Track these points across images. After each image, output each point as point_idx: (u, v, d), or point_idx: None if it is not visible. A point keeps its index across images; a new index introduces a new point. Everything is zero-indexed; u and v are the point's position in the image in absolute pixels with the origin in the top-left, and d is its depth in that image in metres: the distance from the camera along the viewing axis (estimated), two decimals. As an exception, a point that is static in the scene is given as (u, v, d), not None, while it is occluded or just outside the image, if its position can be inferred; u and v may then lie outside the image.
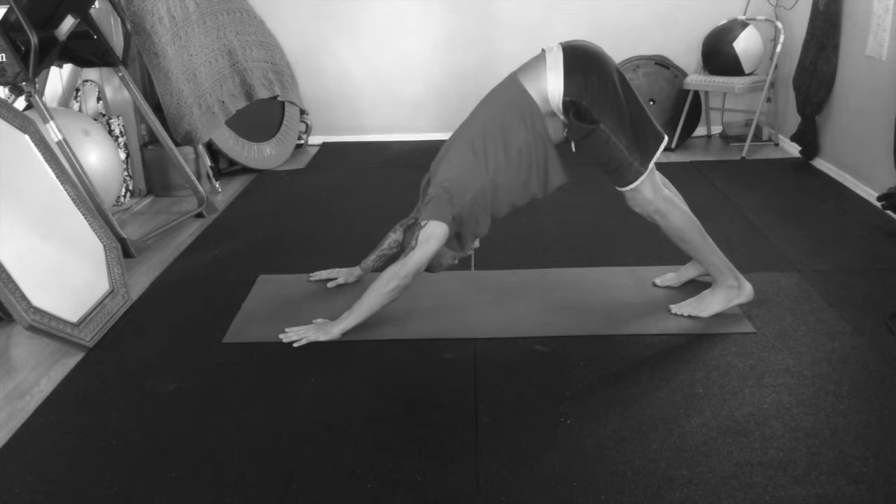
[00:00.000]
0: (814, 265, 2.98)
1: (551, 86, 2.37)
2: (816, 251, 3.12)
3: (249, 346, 2.50)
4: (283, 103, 4.94)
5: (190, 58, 4.10)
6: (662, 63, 4.88)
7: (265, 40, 4.82)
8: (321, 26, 5.11)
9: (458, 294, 2.82)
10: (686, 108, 4.83)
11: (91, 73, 4.08)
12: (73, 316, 2.53)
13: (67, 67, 3.99)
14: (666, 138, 2.49)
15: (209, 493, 1.81)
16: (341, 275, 2.93)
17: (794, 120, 4.58)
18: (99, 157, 3.54)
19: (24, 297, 2.38)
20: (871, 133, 3.76)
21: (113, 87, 4.13)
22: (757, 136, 4.91)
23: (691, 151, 4.84)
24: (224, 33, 4.43)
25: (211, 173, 4.33)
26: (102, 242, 2.90)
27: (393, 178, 4.37)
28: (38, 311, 2.40)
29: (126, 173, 4.08)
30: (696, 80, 4.76)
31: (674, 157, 4.65)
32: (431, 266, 2.52)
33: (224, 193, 4.27)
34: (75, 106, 4.01)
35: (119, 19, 3.91)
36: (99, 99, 4.11)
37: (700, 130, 5.12)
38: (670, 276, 2.84)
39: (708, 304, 2.57)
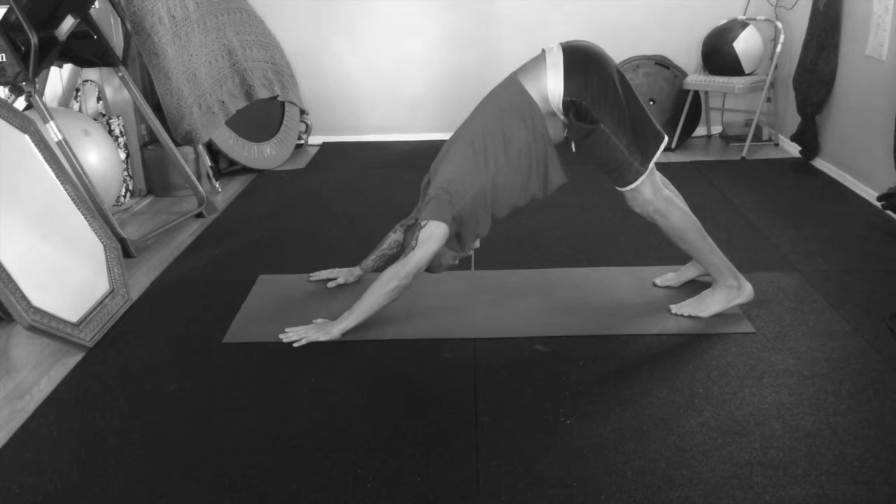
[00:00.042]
0: (814, 265, 2.98)
1: (551, 86, 2.37)
2: (816, 251, 3.12)
3: (249, 346, 2.50)
4: (283, 103, 4.94)
5: (190, 58, 4.10)
6: (662, 63, 4.88)
7: (265, 40, 4.82)
8: (321, 26, 5.11)
9: (458, 294, 2.82)
10: (686, 108, 4.83)
11: (91, 73, 4.08)
12: (73, 316, 2.53)
13: (67, 67, 3.99)
14: (666, 138, 2.49)
15: (209, 493, 1.81)
16: (341, 275, 2.93)
17: (794, 120, 4.58)
18: (99, 157, 3.55)
19: (24, 297, 2.38)
20: (871, 133, 3.76)
21: (113, 87, 4.13)
22: (757, 136, 4.91)
23: (691, 151, 4.84)
24: (224, 33, 4.43)
25: (211, 173, 4.33)
26: (102, 242, 2.90)
27: (393, 178, 4.37)
28: (38, 311, 2.40)
29: (126, 173, 4.08)
30: (696, 80, 4.76)
31: (674, 157, 4.65)
32: (432, 266, 2.52)
33: (224, 193, 4.27)
34: (75, 106, 4.01)
35: (119, 19, 3.91)
36: (99, 99, 4.11)
37: (700, 130, 5.13)
38: (670, 276, 2.84)
39: (708, 304, 2.57)
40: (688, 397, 2.13)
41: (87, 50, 3.63)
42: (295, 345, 2.47)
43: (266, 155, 4.72)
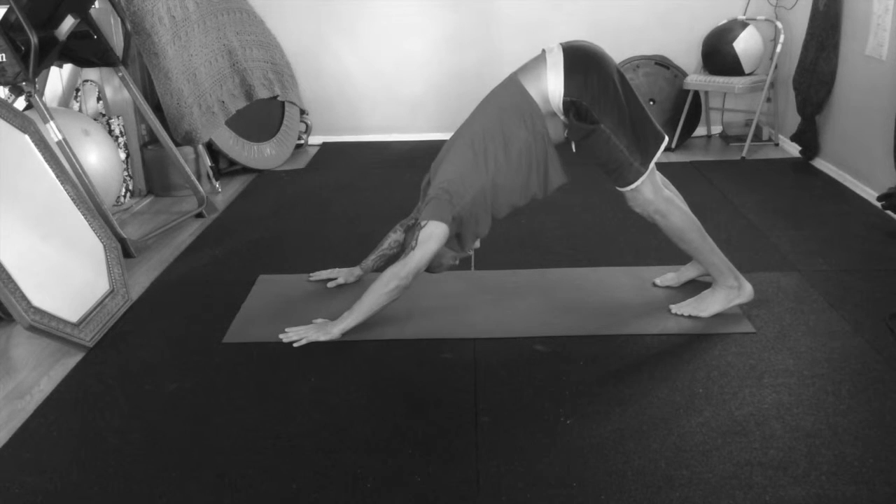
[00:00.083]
0: (814, 265, 2.99)
1: (552, 86, 2.37)
2: (816, 251, 3.12)
3: (249, 346, 2.50)
4: (283, 103, 4.94)
5: (190, 58, 4.10)
6: (662, 63, 4.88)
7: (265, 40, 4.82)
8: (321, 26, 5.11)
9: (458, 294, 2.82)
10: (686, 108, 4.83)
11: (91, 73, 4.08)
12: (73, 316, 2.53)
13: (67, 67, 3.99)
14: (666, 138, 2.49)
15: (209, 493, 1.81)
16: (341, 275, 2.93)
17: (794, 120, 4.58)
18: (99, 157, 3.55)
19: (24, 297, 2.38)
20: (871, 133, 3.76)
21: (113, 87, 4.13)
22: (757, 136, 4.91)
23: (691, 151, 4.84)
24: (224, 33, 4.43)
25: (211, 173, 4.33)
26: (102, 242, 2.90)
27: (393, 178, 4.37)
28: (38, 311, 2.40)
29: (126, 173, 4.08)
30: (696, 80, 4.76)
31: (674, 157, 4.65)
32: (432, 266, 2.52)
33: (224, 193, 4.27)
34: (75, 106, 4.01)
35: (119, 19, 3.91)
36: (99, 99, 4.11)
37: (700, 130, 5.13)
38: (670, 276, 2.84)
39: (708, 304, 2.57)
40: (688, 397, 2.13)
41: (87, 50, 3.63)
42: (295, 345, 2.47)
43: (266, 155, 4.72)
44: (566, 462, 1.87)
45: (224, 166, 4.58)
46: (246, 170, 4.62)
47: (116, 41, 3.92)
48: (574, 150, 2.52)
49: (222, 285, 2.99)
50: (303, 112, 5.18)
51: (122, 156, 4.02)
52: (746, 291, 2.57)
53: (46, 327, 2.40)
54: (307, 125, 5.25)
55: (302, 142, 5.19)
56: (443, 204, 2.38)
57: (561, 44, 2.43)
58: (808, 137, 4.39)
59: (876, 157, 3.70)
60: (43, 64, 3.25)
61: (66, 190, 2.86)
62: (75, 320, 2.52)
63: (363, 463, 1.89)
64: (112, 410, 2.17)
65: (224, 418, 2.11)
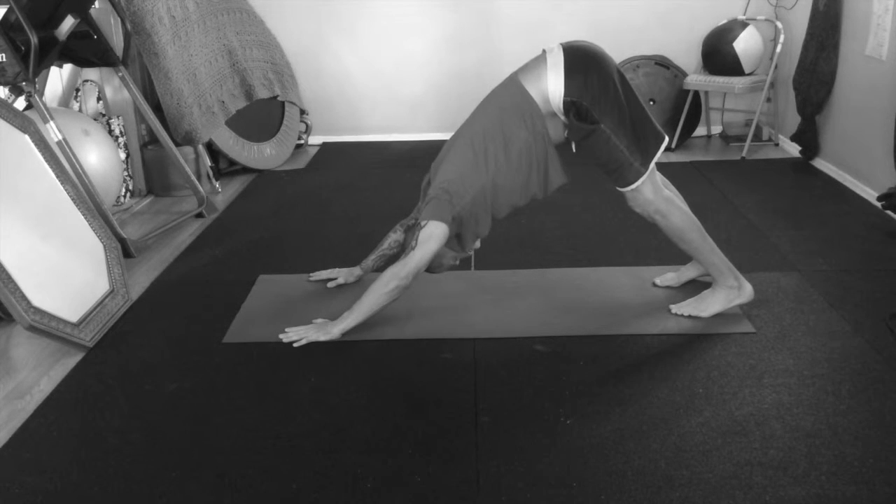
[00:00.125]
0: (814, 265, 2.99)
1: (552, 86, 2.37)
2: (816, 251, 3.12)
3: (249, 346, 2.50)
4: (283, 103, 4.94)
5: (190, 58, 4.10)
6: (662, 63, 4.88)
7: (265, 40, 4.82)
8: (321, 26, 5.11)
9: (458, 294, 2.82)
10: (686, 108, 4.83)
11: (91, 73, 4.08)
12: (73, 316, 2.53)
13: (67, 67, 3.99)
14: (666, 138, 2.49)
15: (209, 493, 1.81)
16: (341, 275, 2.93)
17: (794, 120, 4.58)
18: (99, 157, 3.55)
19: (24, 297, 2.38)
20: (871, 133, 3.76)
21: (113, 87, 4.13)
22: (757, 136, 4.91)
23: (691, 151, 4.84)
24: (224, 33, 4.43)
25: (211, 173, 4.33)
26: (102, 242, 2.90)
27: (393, 178, 4.38)
28: (38, 311, 2.40)
29: (126, 173, 4.08)
30: (696, 80, 4.76)
31: (674, 157, 4.65)
32: (432, 267, 2.52)
33: (224, 193, 4.27)
34: (75, 106, 4.01)
35: (119, 19, 3.91)
36: (99, 99, 4.11)
37: (700, 130, 5.13)
38: (670, 276, 2.84)
39: (708, 305, 2.57)
40: (688, 397, 2.13)
41: (87, 50, 3.63)
42: (295, 345, 2.47)
43: (266, 155, 4.72)
44: (566, 462, 1.87)
45: (224, 166, 4.58)
46: (246, 170, 4.62)
47: (116, 41, 3.92)
48: (574, 150, 2.52)
49: (222, 285, 2.99)
50: (303, 112, 5.19)
51: (122, 156, 4.02)
52: (746, 291, 2.57)
53: (46, 327, 2.40)
54: (307, 125, 5.25)
55: (302, 142, 5.19)
56: (443, 204, 2.38)
57: (561, 44, 2.43)
58: (808, 137, 4.39)
59: (876, 157, 3.70)
60: (43, 64, 3.25)
61: (66, 190, 2.86)
62: (75, 320, 2.52)
63: (363, 463, 1.89)
64: (112, 410, 2.17)
65: (224, 418, 2.11)
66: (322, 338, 2.48)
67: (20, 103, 3.16)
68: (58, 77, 3.95)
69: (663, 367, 2.29)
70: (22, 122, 2.82)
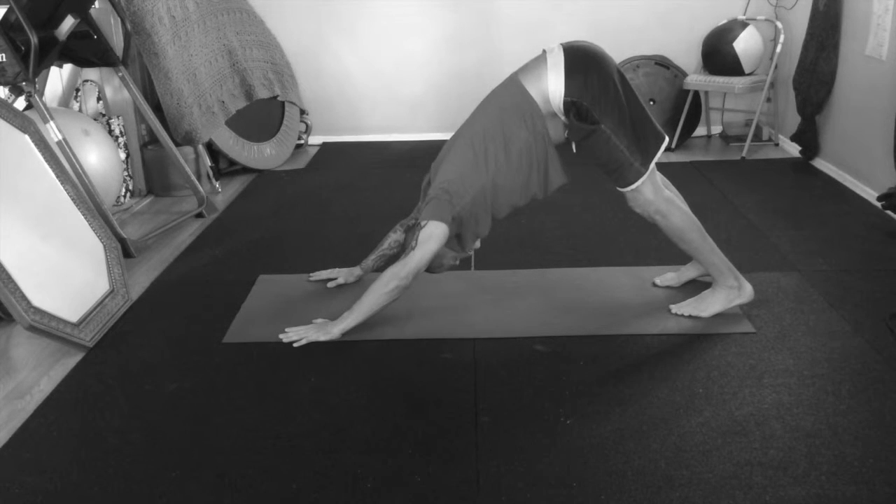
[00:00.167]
0: (814, 265, 2.99)
1: (552, 86, 2.37)
2: (816, 251, 3.12)
3: (249, 346, 2.50)
4: (283, 103, 4.94)
5: (190, 58, 4.10)
6: (662, 63, 4.88)
7: (265, 40, 4.82)
8: (321, 26, 5.11)
9: (458, 294, 2.82)
10: (686, 108, 4.83)
11: (91, 73, 4.08)
12: (73, 316, 2.53)
13: (67, 67, 3.99)
14: (666, 139, 2.49)
15: (209, 493, 1.81)
16: (341, 275, 2.93)
17: (794, 120, 4.58)
18: (99, 157, 3.55)
19: (24, 297, 2.38)
20: (871, 133, 3.76)
21: (113, 87, 4.13)
22: (757, 136, 4.91)
23: (691, 151, 4.84)
24: (224, 33, 4.43)
25: (211, 173, 4.33)
26: (102, 242, 2.90)
27: (393, 178, 4.38)
28: (38, 311, 2.40)
29: (126, 173, 4.08)
30: (696, 80, 4.76)
31: (674, 157, 4.65)
32: (432, 267, 2.52)
33: (224, 193, 4.27)
34: (75, 106, 4.01)
35: (119, 19, 3.91)
36: (99, 99, 4.11)
37: (700, 130, 5.13)
38: (670, 276, 2.84)
39: (708, 305, 2.57)
40: (688, 397, 2.13)
41: (87, 50, 3.63)
42: (295, 345, 2.47)
43: (266, 155, 4.72)
44: (566, 462, 1.87)
45: (224, 166, 4.58)
46: (246, 170, 4.62)
47: (116, 41, 3.92)
48: (574, 150, 2.52)
49: (222, 285, 2.99)
50: (303, 112, 5.19)
51: (122, 156, 4.02)
52: (746, 291, 2.57)
53: (46, 327, 2.40)
54: (307, 125, 5.25)
55: (302, 142, 5.19)
56: (443, 204, 2.38)
57: (561, 44, 2.43)
58: (808, 137, 4.39)
59: (876, 157, 3.70)
60: (43, 64, 3.25)
61: (66, 190, 2.86)
62: (75, 320, 2.52)
63: (363, 463, 1.89)
64: (112, 410, 2.17)
65: (224, 418, 2.11)
66: (322, 338, 2.48)
67: (20, 103, 3.16)
68: (58, 77, 3.95)
69: (663, 367, 2.29)
70: (22, 122, 2.82)
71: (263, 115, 4.81)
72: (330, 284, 2.91)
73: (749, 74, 4.70)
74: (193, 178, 3.91)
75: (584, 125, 2.37)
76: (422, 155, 4.43)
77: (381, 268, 2.78)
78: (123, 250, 3.18)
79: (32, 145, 2.82)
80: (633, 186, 2.44)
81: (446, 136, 2.78)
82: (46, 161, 2.83)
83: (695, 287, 2.76)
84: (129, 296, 2.86)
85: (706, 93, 5.01)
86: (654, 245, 3.13)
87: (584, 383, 2.22)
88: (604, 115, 2.35)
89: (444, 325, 2.58)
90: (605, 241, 3.32)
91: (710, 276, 2.63)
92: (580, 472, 1.84)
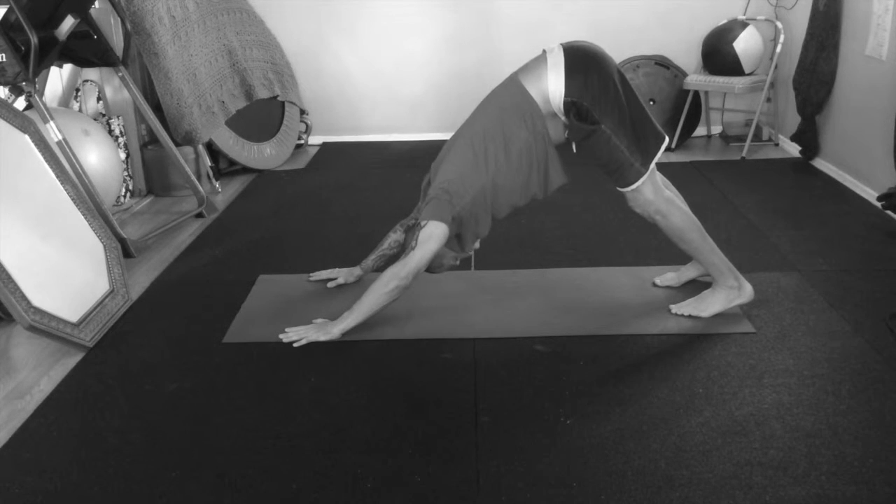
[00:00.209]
0: (814, 265, 2.99)
1: (552, 86, 2.37)
2: (816, 251, 3.12)
3: (249, 346, 2.50)
4: (283, 103, 4.94)
5: (190, 58, 4.10)
6: (662, 63, 4.88)
7: (265, 40, 4.82)
8: (321, 26, 5.11)
9: (458, 294, 2.82)
10: (686, 108, 4.83)
11: (91, 73, 4.08)
12: (73, 316, 2.53)
13: (67, 67, 3.99)
14: (667, 139, 2.49)
15: (209, 493, 1.81)
16: (341, 275, 2.93)
17: (794, 120, 4.58)
18: (99, 157, 3.55)
19: (24, 297, 2.38)
20: (871, 133, 3.76)
21: (113, 87, 4.13)
22: (757, 136, 4.91)
23: (691, 151, 4.84)
24: (224, 33, 4.43)
25: (211, 173, 4.33)
26: (102, 242, 2.90)
27: (393, 178, 4.38)
28: (38, 311, 2.40)
29: (126, 173, 4.08)
30: (696, 80, 4.76)
31: (674, 157, 4.65)
32: (432, 267, 2.52)
33: (224, 193, 4.27)
34: (75, 106, 4.01)
35: (119, 19, 3.91)
36: (99, 99, 4.11)
37: (700, 130, 5.13)
38: (670, 276, 2.84)
39: (708, 305, 2.57)
40: (688, 397, 2.13)
41: (87, 50, 3.63)
42: (295, 345, 2.47)
43: (266, 155, 4.72)
44: (566, 462, 1.87)
45: (224, 166, 4.58)
46: (246, 170, 4.62)
47: (116, 41, 3.92)
48: (574, 150, 2.52)
49: (222, 285, 2.99)
50: (303, 112, 5.19)
51: (122, 156, 4.02)
52: (746, 292, 2.57)
53: (46, 327, 2.40)
54: (307, 125, 5.25)
55: (302, 142, 5.19)
56: (443, 204, 2.38)
57: (561, 44, 2.43)
58: (808, 137, 4.39)
59: (876, 157, 3.70)
60: (43, 64, 3.25)
61: (66, 190, 2.86)
62: (75, 320, 2.52)
63: (363, 463, 1.89)
64: (112, 410, 2.17)
65: (224, 418, 2.11)
66: (322, 338, 2.48)
67: (20, 103, 3.16)
68: (58, 77, 3.95)
69: (663, 367, 2.29)
70: (22, 122, 2.82)
71: (263, 115, 4.81)
72: (330, 284, 2.91)
73: (749, 74, 4.70)
74: (193, 178, 3.91)
75: (584, 125, 2.37)
76: (422, 155, 4.43)
77: (381, 268, 2.78)
78: (123, 250, 3.18)
79: (32, 145, 2.82)
80: (633, 186, 2.44)
81: (446, 136, 2.78)
82: (46, 161, 2.83)
83: (695, 287, 2.76)
84: (129, 296, 2.86)
85: (706, 93, 5.01)
86: (654, 245, 3.13)
87: (584, 383, 2.22)
88: (604, 116, 2.35)
89: (444, 325, 2.58)
90: (605, 241, 3.32)
91: (710, 276, 2.63)
92: (580, 472, 1.84)
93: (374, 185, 4.27)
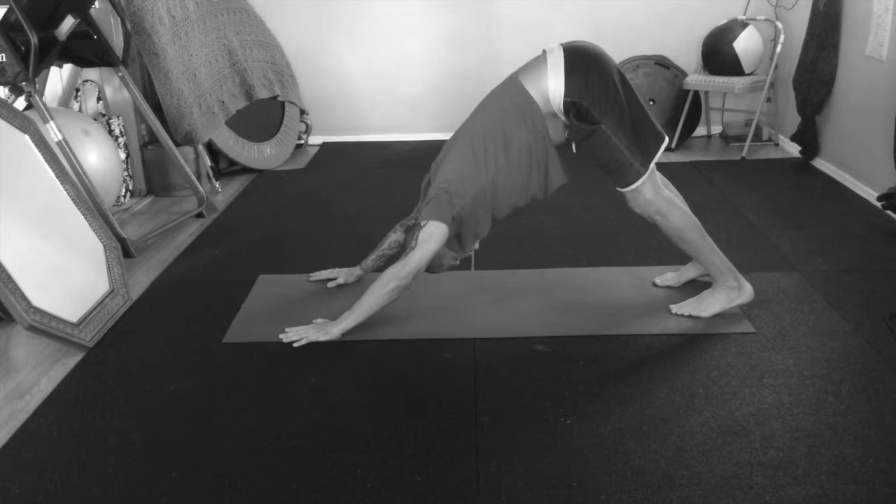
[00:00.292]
0: (814, 265, 2.99)
1: (552, 86, 2.37)
2: (816, 251, 3.12)
3: (249, 346, 2.50)
4: (283, 103, 4.94)
5: (190, 58, 4.11)
6: (662, 63, 4.88)
7: (265, 40, 4.82)
8: (321, 26, 5.11)
9: (458, 294, 2.82)
10: (686, 108, 4.83)
11: (91, 73, 4.08)
12: (73, 316, 2.53)
13: (67, 67, 3.99)
14: (666, 139, 2.49)
15: (209, 493, 1.81)
16: (341, 275, 2.93)
17: (794, 120, 4.58)
18: (99, 157, 3.55)
19: (24, 297, 2.38)
20: (871, 133, 3.76)
21: (113, 87, 4.13)
22: (757, 136, 4.91)
23: (691, 151, 4.84)
24: (224, 33, 4.43)
25: (211, 173, 4.33)
26: (102, 242, 2.90)
27: (393, 178, 4.38)
28: (38, 311, 2.40)
29: (126, 173, 4.08)
30: (696, 80, 4.76)
31: (674, 157, 4.65)
32: (432, 267, 2.52)
33: (224, 193, 4.27)
34: (75, 106, 4.01)
35: (119, 19, 3.91)
36: (99, 99, 4.11)
37: (700, 130, 5.13)
38: (670, 276, 2.84)
39: (708, 305, 2.57)
40: (688, 397, 2.13)
41: (87, 50, 3.63)
42: (295, 345, 2.47)
43: (266, 155, 4.72)
44: (566, 462, 1.87)
45: (224, 166, 4.58)
46: (246, 170, 4.62)
47: (116, 41, 3.92)
48: (574, 150, 2.52)
49: (222, 285, 2.99)
50: (303, 112, 5.19)
51: (122, 156, 4.02)
52: (746, 292, 2.57)
53: (46, 327, 2.40)
54: (307, 125, 5.25)
55: (302, 142, 5.19)
56: (443, 204, 2.38)
57: (561, 44, 2.43)
58: (808, 137, 4.39)
59: (876, 157, 3.70)
60: (43, 64, 3.25)
61: (66, 190, 2.86)
62: (75, 320, 2.52)
63: (363, 463, 1.89)
64: (112, 410, 2.17)
65: (224, 418, 2.11)
66: (322, 338, 2.48)
67: (20, 103, 3.16)
68: (58, 77, 3.95)
69: (663, 367, 2.29)
70: (22, 122, 2.82)
71: (263, 115, 4.81)
72: (330, 284, 2.91)
73: (749, 74, 4.70)
74: (193, 178, 3.91)
75: (584, 125, 2.37)
76: (422, 155, 4.43)
77: (381, 268, 2.78)
78: (123, 250, 3.18)
79: (32, 145, 2.82)
80: (633, 186, 2.44)
81: (446, 136, 2.78)
82: (46, 161, 2.83)
83: (695, 287, 2.76)
84: (129, 296, 2.86)
85: (706, 93, 5.01)
86: (654, 245, 3.13)
87: (584, 383, 2.22)
88: (604, 116, 2.35)
89: (444, 325, 2.58)
90: (605, 241, 3.32)
91: (710, 276, 2.63)
92: (580, 472, 1.84)
93: (374, 185, 4.27)
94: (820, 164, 4.34)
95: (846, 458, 1.85)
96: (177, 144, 4.04)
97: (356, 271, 2.92)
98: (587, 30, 4.69)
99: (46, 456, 1.98)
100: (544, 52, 2.45)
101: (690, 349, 2.40)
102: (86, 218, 2.89)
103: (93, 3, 3.62)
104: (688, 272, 2.82)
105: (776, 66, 4.70)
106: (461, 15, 5.06)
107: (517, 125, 2.40)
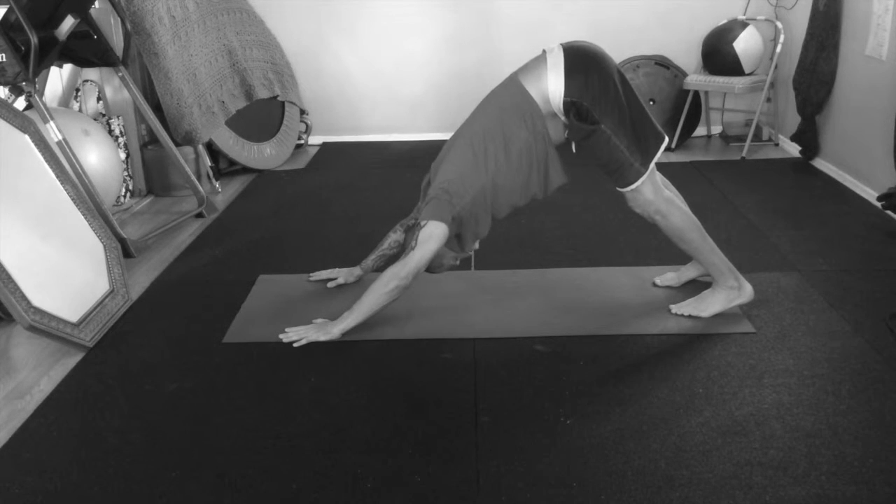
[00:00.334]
0: (814, 265, 2.99)
1: (552, 86, 2.37)
2: (816, 251, 3.12)
3: (249, 346, 2.50)
4: (283, 103, 4.94)
5: (190, 58, 4.11)
6: (662, 63, 4.88)
7: (265, 40, 4.82)
8: (321, 26, 5.11)
9: (458, 294, 2.82)
10: (686, 108, 4.83)
11: (91, 73, 4.08)
12: (73, 316, 2.53)
13: (67, 67, 3.99)
14: (666, 139, 2.49)
15: (209, 493, 1.81)
16: (341, 275, 2.93)
17: (794, 120, 4.58)
18: (99, 157, 3.55)
19: (24, 297, 2.38)
20: (871, 133, 3.76)
21: (113, 87, 4.13)
22: (757, 136, 4.91)
23: (691, 151, 4.84)
24: (224, 33, 4.43)
25: (211, 173, 4.33)
26: (102, 242, 2.90)
27: (393, 178, 4.38)
28: (38, 311, 2.40)
29: (126, 173, 4.08)
30: (696, 80, 4.76)
31: (674, 157, 4.65)
32: (432, 267, 2.52)
33: (224, 193, 4.27)
34: (75, 106, 4.01)
35: (119, 19, 3.91)
36: (99, 99, 4.11)
37: (700, 130, 5.13)
38: (670, 276, 2.84)
39: (708, 305, 2.57)
40: (688, 397, 2.13)
41: (87, 50, 3.63)
42: (295, 345, 2.47)
43: (266, 155, 4.72)
44: (566, 462, 1.87)
45: (224, 166, 4.58)
46: (246, 170, 4.62)
47: (116, 41, 3.92)
48: (574, 150, 2.52)
49: (222, 285, 2.99)
50: (303, 112, 5.19)
51: (122, 156, 4.02)
52: (746, 292, 2.57)
53: (46, 327, 2.40)
54: (307, 125, 5.25)
55: (302, 142, 5.19)
56: (443, 204, 2.38)
57: (561, 44, 2.43)
58: (808, 137, 4.39)
59: (876, 157, 3.70)
60: (43, 64, 3.25)
61: (66, 190, 2.86)
62: (75, 320, 2.52)
63: (363, 463, 1.89)
64: (112, 410, 2.17)
65: (224, 418, 2.11)
66: (322, 338, 2.48)
67: (20, 103, 3.16)
68: (58, 77, 3.95)
69: (663, 367, 2.29)
70: (22, 122, 2.82)
71: (263, 115, 4.81)
72: (330, 284, 2.91)
73: (749, 74, 4.70)
74: (193, 178, 3.91)
75: (584, 125, 2.37)
76: (422, 155, 4.43)
77: (381, 268, 2.78)
78: (123, 250, 3.18)
79: (32, 145, 2.82)
80: (632, 186, 2.44)
81: (446, 136, 2.78)
82: (46, 161, 2.83)
83: (695, 287, 2.76)
84: (129, 296, 2.86)
85: (706, 93, 5.01)
86: (654, 245, 3.13)
87: (584, 383, 2.22)
88: (604, 116, 2.35)
89: (444, 325, 2.58)
90: (605, 241, 3.32)
91: (710, 276, 2.63)
92: (580, 472, 1.84)
93: (374, 185, 4.27)
94: (820, 164, 4.34)
95: (846, 458, 1.85)
96: (177, 144, 4.04)
97: (356, 271, 2.92)
98: (587, 30, 4.69)
99: (46, 456, 1.98)
100: (544, 52, 2.45)
101: (690, 349, 2.40)
102: (86, 218, 2.89)
103: (93, 3, 3.62)
104: (688, 272, 2.82)
105: (776, 66, 4.70)
106: (461, 15, 5.06)
107: (517, 125, 2.40)
